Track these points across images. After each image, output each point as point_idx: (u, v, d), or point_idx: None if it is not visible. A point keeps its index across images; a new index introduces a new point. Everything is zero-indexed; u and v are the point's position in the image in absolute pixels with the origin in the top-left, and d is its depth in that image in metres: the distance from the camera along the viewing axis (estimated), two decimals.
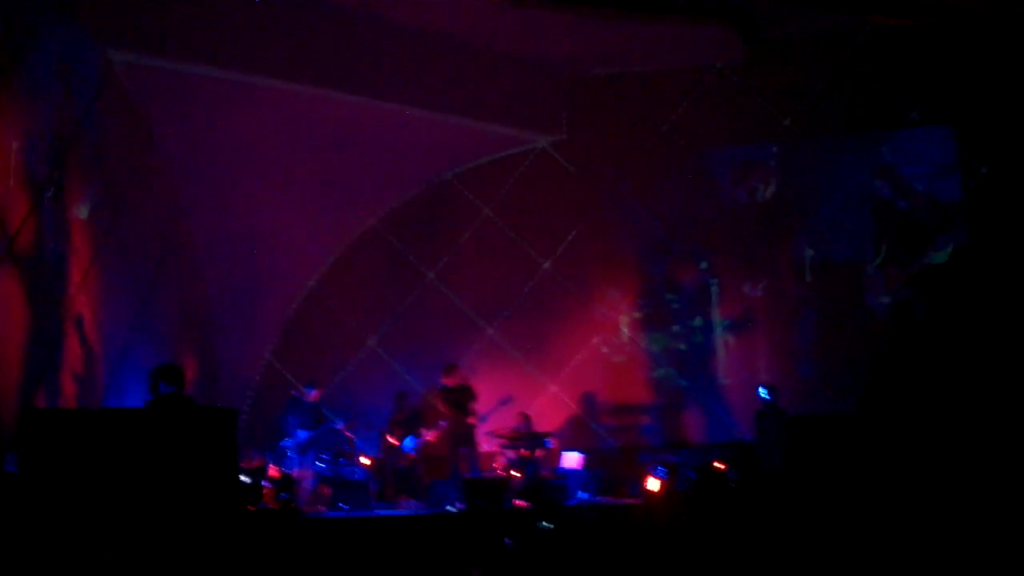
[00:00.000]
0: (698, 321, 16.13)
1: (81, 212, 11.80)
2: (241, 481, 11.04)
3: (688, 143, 16.28)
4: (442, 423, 13.97)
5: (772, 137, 16.13)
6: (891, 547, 9.46)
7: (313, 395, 13.54)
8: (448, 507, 12.30)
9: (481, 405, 14.32)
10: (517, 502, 12.73)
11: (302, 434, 13.01)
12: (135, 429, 9.00)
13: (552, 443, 14.46)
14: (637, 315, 16.26)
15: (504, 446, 14.19)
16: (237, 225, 14.39)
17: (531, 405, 15.28)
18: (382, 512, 12.22)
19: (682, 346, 16.13)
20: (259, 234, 14.58)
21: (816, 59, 15.85)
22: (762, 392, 13.59)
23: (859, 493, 10.03)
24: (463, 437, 13.87)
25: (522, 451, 13.99)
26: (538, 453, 14.07)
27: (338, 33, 14.06)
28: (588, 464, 14.35)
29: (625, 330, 16.20)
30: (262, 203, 14.42)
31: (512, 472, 13.63)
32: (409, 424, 14.10)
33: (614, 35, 15.21)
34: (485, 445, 14.46)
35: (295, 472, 12.57)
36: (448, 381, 14.13)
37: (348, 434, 13.37)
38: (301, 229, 15.10)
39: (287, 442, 13.03)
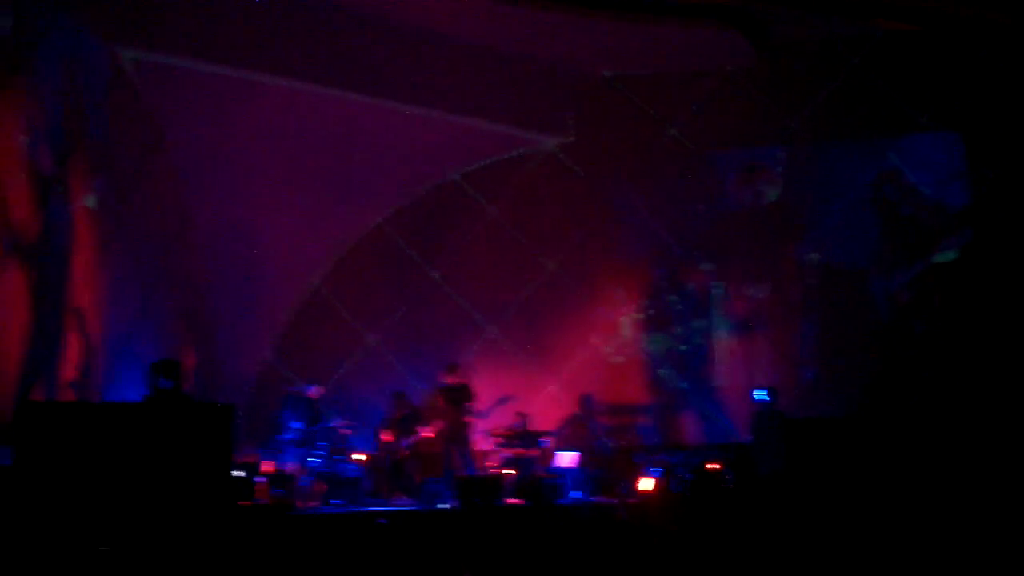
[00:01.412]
0: (700, 323, 16.18)
1: (90, 205, 11.97)
2: (235, 476, 11.17)
3: (695, 146, 16.34)
4: (439, 421, 14.07)
5: (779, 140, 16.18)
6: (889, 550, 9.47)
7: (313, 392, 13.72)
8: (440, 504, 12.41)
9: (480, 403, 14.40)
10: (510, 500, 12.84)
11: (296, 426, 13.19)
12: (132, 423, 9.13)
13: (548, 442, 14.55)
14: (639, 316, 16.34)
15: (500, 444, 14.28)
16: (241, 222, 14.53)
17: (531, 404, 15.35)
18: (375, 508, 12.29)
19: (683, 347, 16.19)
20: (263, 231, 14.71)
21: (824, 63, 15.88)
22: (758, 394, 13.62)
23: (857, 496, 10.07)
24: (457, 435, 13.95)
25: (518, 450, 14.09)
26: (534, 452, 14.15)
27: (345, 33, 14.15)
28: (584, 463, 14.42)
29: (627, 331, 16.27)
30: (267, 200, 14.56)
31: (506, 470, 13.72)
32: (406, 423, 14.22)
33: (622, 37, 15.22)
34: (481, 443, 14.56)
35: (286, 467, 12.72)
36: (449, 379, 14.22)
37: (344, 431, 13.51)
38: (306, 227, 15.21)
39: (283, 436, 13.20)
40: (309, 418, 13.40)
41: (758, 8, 15.01)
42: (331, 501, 12.47)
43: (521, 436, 14.23)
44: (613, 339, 16.30)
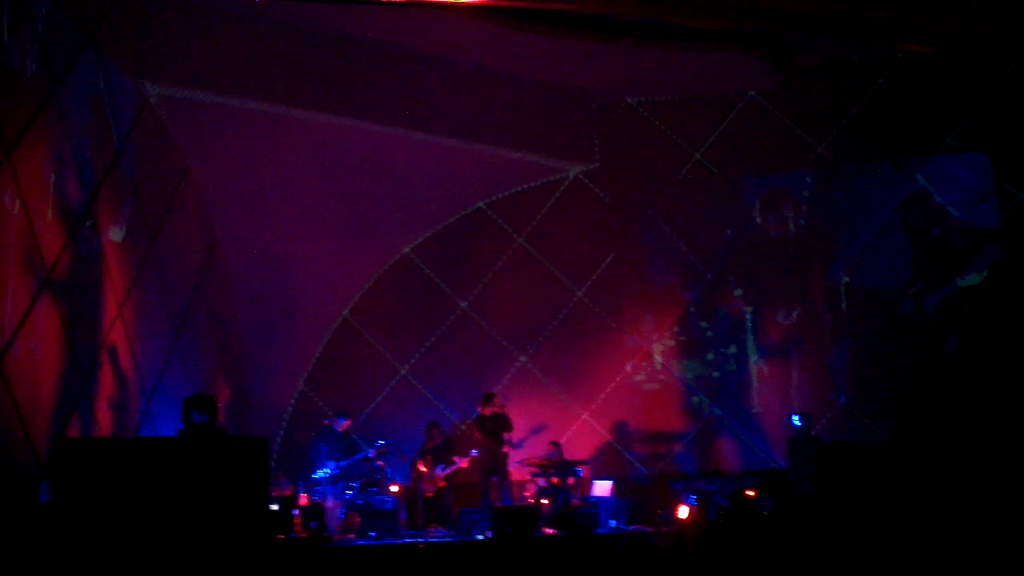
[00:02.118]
0: (732, 349, 16.06)
1: (115, 236, 11.96)
2: (271, 509, 11.10)
3: (721, 170, 16.30)
4: (473, 452, 13.97)
5: (806, 164, 16.11)
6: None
7: (344, 425, 13.67)
8: (477, 535, 12.29)
9: (514, 433, 14.25)
10: (547, 530, 12.71)
11: (333, 464, 13.12)
12: (167, 459, 9.09)
13: (583, 471, 14.42)
14: (671, 343, 16.25)
15: (535, 474, 14.17)
16: (270, 253, 14.52)
17: (564, 433, 15.30)
18: (411, 540, 12.20)
19: (716, 374, 16.07)
20: (292, 263, 14.70)
21: (850, 86, 15.86)
22: (795, 420, 13.48)
23: (893, 522, 9.94)
24: (495, 466, 13.82)
25: (553, 479, 13.96)
26: (569, 481, 14.02)
27: (370, 64, 14.23)
28: (619, 492, 14.30)
29: (659, 358, 16.16)
30: (296, 232, 14.56)
31: (542, 500, 13.60)
32: (440, 453, 14.15)
33: (645, 64, 15.23)
34: (516, 473, 14.43)
35: (325, 501, 12.64)
36: (485, 410, 14.08)
37: (379, 463, 13.43)
38: (334, 258, 15.20)
39: (318, 474, 13.12)
40: (341, 451, 13.32)
41: (781, 32, 14.95)
42: (368, 533, 12.37)
43: (556, 465, 14.10)
44: (645, 366, 16.21)
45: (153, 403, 12.28)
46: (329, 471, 13.11)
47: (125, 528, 8.52)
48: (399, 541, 12.05)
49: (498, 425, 13.98)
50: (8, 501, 8.63)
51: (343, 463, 13.26)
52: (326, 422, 13.86)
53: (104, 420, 11.25)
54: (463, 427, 15.23)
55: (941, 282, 15.42)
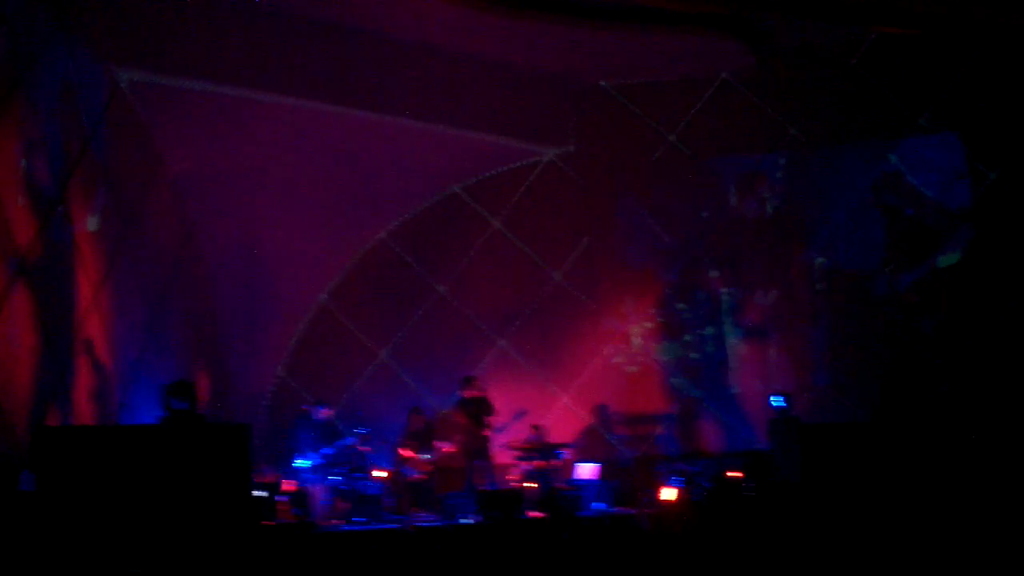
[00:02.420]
0: (711, 330, 16.09)
1: (93, 226, 11.79)
2: (256, 496, 10.99)
3: (696, 153, 16.29)
4: (457, 436, 13.89)
5: (779, 146, 16.14)
6: (906, 555, 9.39)
7: (323, 413, 13.58)
8: (462, 519, 12.22)
9: (495, 417, 14.22)
10: (532, 513, 12.66)
11: (318, 454, 13.07)
12: (148, 446, 9.00)
13: (567, 454, 14.38)
14: (649, 325, 16.27)
15: (519, 458, 14.14)
16: (246, 240, 14.38)
17: (544, 416, 15.26)
18: (398, 524, 12.12)
19: (695, 355, 16.11)
20: (269, 249, 14.57)
21: (823, 67, 15.84)
22: (775, 401, 13.51)
23: (874, 501, 9.98)
24: (479, 450, 13.80)
25: (536, 462, 13.91)
26: (553, 464, 13.98)
27: (343, 49, 14.05)
28: (602, 474, 14.27)
29: (637, 340, 16.18)
30: (271, 218, 14.42)
31: (527, 484, 13.55)
32: (422, 437, 14.07)
33: (619, 46, 15.20)
34: (500, 457, 14.38)
35: (310, 486, 12.55)
36: (466, 393, 14.06)
37: (362, 448, 13.36)
38: (310, 243, 15.08)
39: (298, 462, 13.05)
40: (321, 439, 13.24)
41: (754, 15, 14.96)
42: (353, 519, 12.32)
43: (539, 449, 14.07)
44: (624, 349, 16.23)
45: (131, 391, 12.11)
46: (311, 461, 12.99)
47: (108, 516, 8.45)
48: (386, 526, 11.97)
49: (479, 409, 13.94)
50: None
51: (326, 451, 13.16)
52: (305, 407, 13.75)
53: (83, 408, 11.08)
54: (444, 412, 15.12)
55: (916, 262, 15.49)
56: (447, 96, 15.08)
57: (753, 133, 16.13)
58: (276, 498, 11.74)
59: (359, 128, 14.59)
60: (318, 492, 12.60)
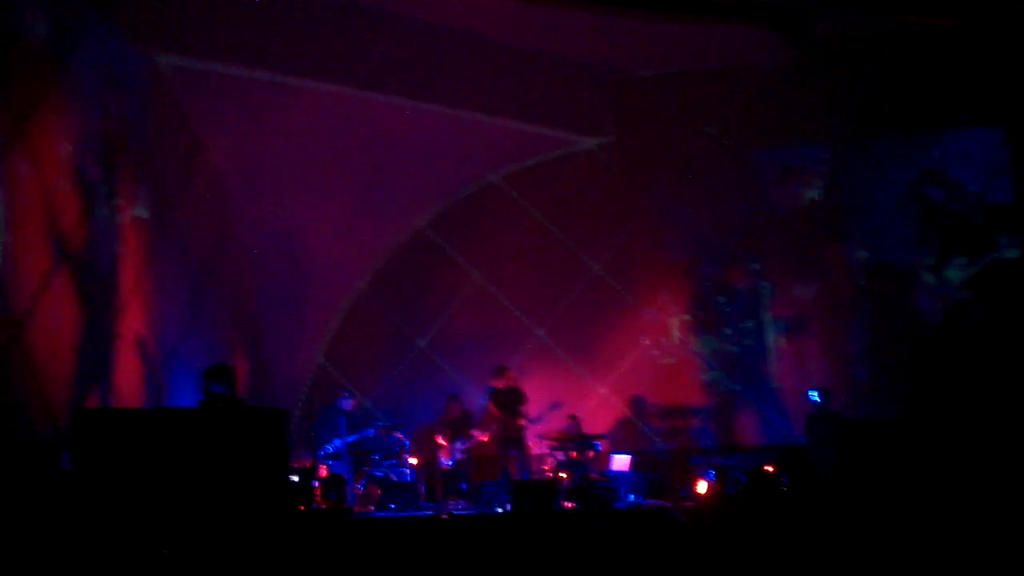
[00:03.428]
0: (749, 324, 15.99)
1: (138, 212, 11.91)
2: (291, 481, 11.08)
3: (736, 144, 16.15)
4: (493, 425, 13.92)
5: (821, 138, 15.99)
6: (942, 553, 9.31)
7: (349, 403, 13.72)
8: (497, 508, 12.24)
9: (531, 407, 14.19)
10: (567, 504, 12.66)
11: (339, 442, 13.21)
12: (187, 429, 9.13)
13: (601, 446, 14.35)
14: (687, 317, 16.17)
15: (553, 448, 14.09)
16: (286, 227, 14.44)
17: (580, 407, 15.20)
18: (431, 512, 12.15)
19: (733, 349, 16.00)
20: (306, 235, 14.61)
21: (865, 60, 15.67)
22: (813, 396, 13.42)
23: (908, 499, 9.92)
24: (513, 439, 13.79)
25: (571, 453, 13.89)
26: (588, 455, 13.96)
27: (386, 36, 14.06)
28: (637, 467, 14.23)
29: (675, 332, 16.10)
30: (311, 205, 14.46)
31: (561, 474, 13.55)
32: (458, 426, 14.11)
33: (659, 36, 15.04)
34: (535, 448, 14.38)
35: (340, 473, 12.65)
36: (498, 383, 14.05)
37: (398, 435, 13.44)
38: (349, 230, 15.07)
39: (326, 449, 13.18)
40: (343, 428, 13.40)
41: (797, 5, 14.81)
42: (388, 505, 12.41)
43: (575, 439, 14.04)
44: (662, 341, 16.12)
45: (171, 375, 12.23)
46: (332, 448, 13.13)
47: (147, 498, 8.55)
48: (419, 513, 12.01)
49: (513, 398, 13.94)
50: (29, 470, 8.60)
51: (348, 439, 13.30)
52: (344, 394, 13.82)
53: (123, 391, 11.20)
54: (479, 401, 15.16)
55: (970, 256, 15.32)
56: (487, 84, 15.11)
57: (795, 126, 15.94)
58: (312, 483, 11.82)
59: (399, 116, 14.63)
60: (353, 479, 12.69)
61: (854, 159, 15.90)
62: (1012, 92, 15.18)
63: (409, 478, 13.11)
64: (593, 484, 13.07)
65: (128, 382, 11.37)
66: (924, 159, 15.67)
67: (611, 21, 14.50)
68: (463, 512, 12.20)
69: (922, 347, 15.24)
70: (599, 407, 15.70)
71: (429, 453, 13.97)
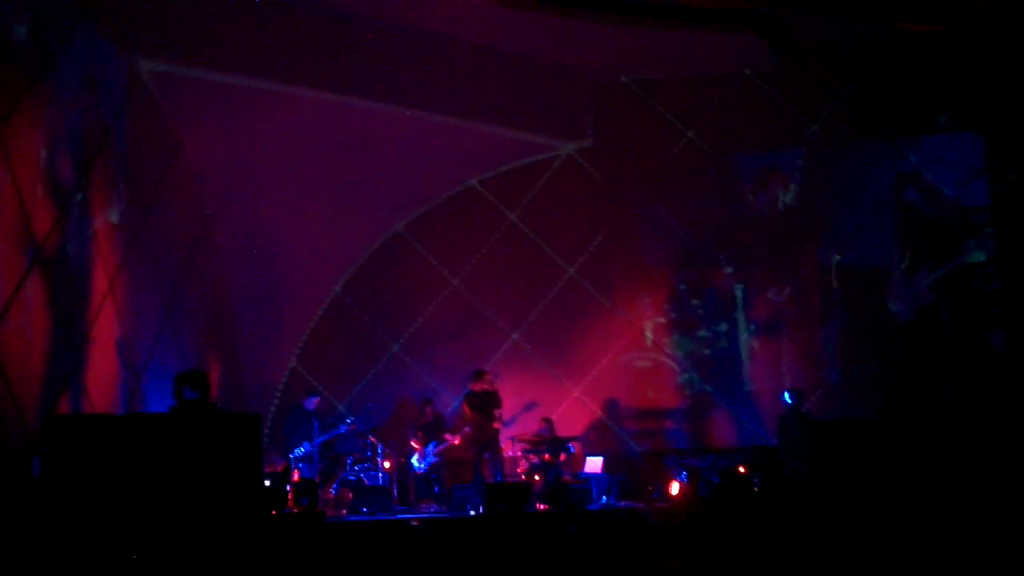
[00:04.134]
0: (723, 326, 16.07)
1: (112, 217, 11.91)
2: (264, 485, 11.11)
3: (714, 149, 16.27)
4: (466, 428, 13.98)
5: (799, 143, 16.08)
6: (914, 552, 9.40)
7: (313, 404, 13.72)
8: (470, 511, 12.31)
9: (505, 410, 14.27)
10: (540, 506, 12.73)
11: (307, 444, 13.23)
12: (159, 434, 9.10)
13: (575, 448, 14.43)
14: (662, 320, 16.24)
15: (527, 451, 14.17)
16: (262, 231, 14.48)
17: (555, 410, 15.30)
18: (403, 516, 12.20)
19: (707, 351, 16.09)
20: (283, 240, 14.67)
21: (843, 65, 15.80)
22: (786, 397, 13.52)
23: (883, 498, 9.99)
24: (487, 442, 13.84)
25: (545, 456, 13.97)
26: (561, 457, 14.04)
27: (363, 41, 14.12)
28: (611, 468, 14.30)
29: (650, 335, 16.18)
30: (287, 209, 14.51)
31: (534, 477, 13.61)
32: (433, 429, 14.17)
33: (641, 41, 15.14)
34: (508, 450, 14.45)
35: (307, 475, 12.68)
36: (475, 386, 14.11)
37: (371, 439, 13.47)
38: (326, 235, 15.16)
39: (296, 452, 13.22)
40: (310, 430, 13.39)
41: (777, 11, 14.88)
42: (361, 509, 12.42)
43: (548, 442, 14.11)
44: (637, 344, 16.19)
45: (144, 380, 12.23)
46: (303, 450, 13.15)
47: (118, 503, 8.55)
48: (392, 517, 12.04)
49: (488, 402, 13.99)
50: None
51: (318, 440, 13.33)
52: (310, 395, 13.87)
53: (94, 397, 11.20)
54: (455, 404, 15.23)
55: (937, 260, 15.41)
56: (466, 89, 15.15)
57: (772, 130, 16.09)
58: (285, 488, 11.85)
59: (377, 120, 14.64)
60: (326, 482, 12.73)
61: (831, 163, 15.98)
62: (989, 97, 15.29)
63: (382, 481, 13.14)
64: (566, 486, 13.14)
65: (101, 387, 11.35)
66: (901, 163, 15.73)
67: (592, 26, 14.57)
68: (436, 515, 12.27)
69: (893, 349, 15.34)
70: (573, 409, 15.77)
71: (402, 456, 14.04)
